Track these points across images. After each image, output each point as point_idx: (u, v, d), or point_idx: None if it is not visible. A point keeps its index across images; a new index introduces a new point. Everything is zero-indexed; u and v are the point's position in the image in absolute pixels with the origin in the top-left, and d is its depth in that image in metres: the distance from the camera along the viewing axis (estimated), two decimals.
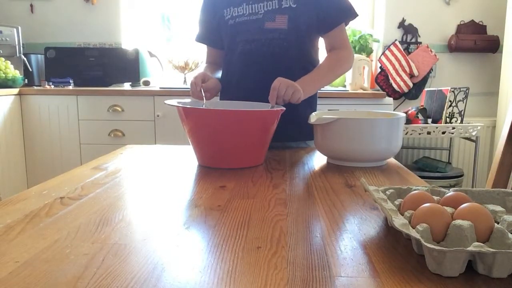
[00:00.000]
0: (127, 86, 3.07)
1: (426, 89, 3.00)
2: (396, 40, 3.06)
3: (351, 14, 1.32)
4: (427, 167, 2.84)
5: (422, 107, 2.81)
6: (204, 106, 1.18)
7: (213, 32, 1.40)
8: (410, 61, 3.02)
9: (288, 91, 1.13)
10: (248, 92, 1.27)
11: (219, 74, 1.40)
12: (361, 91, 2.90)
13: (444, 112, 2.71)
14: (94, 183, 0.90)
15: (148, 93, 2.81)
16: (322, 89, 2.86)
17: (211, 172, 1.00)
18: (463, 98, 2.71)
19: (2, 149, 2.58)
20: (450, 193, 0.64)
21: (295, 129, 1.31)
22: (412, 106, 2.88)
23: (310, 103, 1.36)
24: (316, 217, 0.68)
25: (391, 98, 2.93)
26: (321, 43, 1.39)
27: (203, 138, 1.04)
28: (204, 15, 1.42)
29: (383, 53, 3.03)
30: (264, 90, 1.17)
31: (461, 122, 2.71)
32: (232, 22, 1.32)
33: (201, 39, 1.44)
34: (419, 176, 1.01)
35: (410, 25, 3.13)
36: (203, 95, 1.20)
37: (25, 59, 3.09)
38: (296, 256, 0.53)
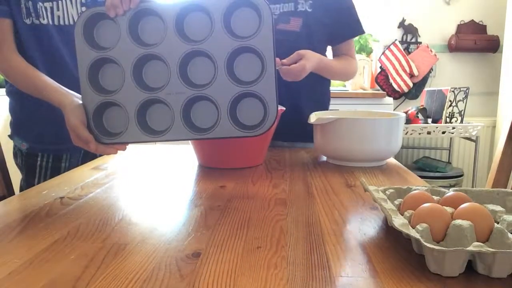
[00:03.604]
0: None
1: (426, 89, 3.00)
2: (396, 40, 3.06)
3: (360, 30, 1.35)
4: (427, 167, 2.84)
5: (422, 107, 2.81)
6: None
7: None
8: (410, 61, 3.02)
9: (293, 75, 1.15)
10: None
11: None
12: (361, 91, 2.90)
13: (444, 112, 2.71)
14: (94, 183, 0.90)
15: None
16: None
17: (211, 172, 1.00)
18: (463, 98, 2.71)
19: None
20: (450, 193, 0.64)
21: (300, 129, 1.31)
22: (412, 106, 2.88)
23: (319, 106, 1.37)
24: (316, 217, 0.68)
25: (391, 98, 2.92)
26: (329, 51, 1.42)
27: None
28: None
29: (383, 53, 3.03)
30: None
31: (461, 122, 2.71)
32: None
33: None
34: (419, 176, 1.01)
35: (410, 25, 3.12)
36: None
37: None
38: (296, 256, 0.53)
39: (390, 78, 3.01)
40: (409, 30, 3.13)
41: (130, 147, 0.92)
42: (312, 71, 1.20)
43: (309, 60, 1.16)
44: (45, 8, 1.12)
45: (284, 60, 1.15)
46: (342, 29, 1.33)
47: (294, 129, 1.28)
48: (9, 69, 1.08)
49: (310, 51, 1.19)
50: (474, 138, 2.71)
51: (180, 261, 0.52)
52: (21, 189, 1.26)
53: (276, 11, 1.29)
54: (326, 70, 1.28)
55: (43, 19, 1.12)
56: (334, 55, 1.39)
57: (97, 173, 0.98)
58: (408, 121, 2.68)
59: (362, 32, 1.36)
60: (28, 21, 1.10)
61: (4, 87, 1.26)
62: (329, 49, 1.40)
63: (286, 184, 0.89)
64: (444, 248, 0.46)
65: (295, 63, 1.14)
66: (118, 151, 0.91)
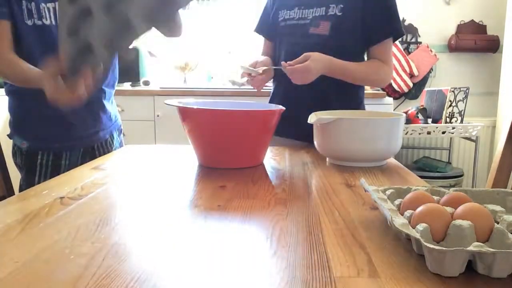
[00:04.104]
0: (127, 86, 3.07)
1: (426, 89, 3.00)
2: None
3: (396, 33, 1.32)
4: (427, 167, 2.84)
5: (422, 107, 2.81)
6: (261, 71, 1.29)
7: (271, 26, 1.44)
8: (410, 61, 3.02)
9: (298, 76, 1.16)
10: (290, 94, 1.34)
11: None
12: None
13: (444, 112, 2.71)
14: (94, 183, 0.90)
15: (148, 93, 2.81)
16: None
17: (211, 172, 1.00)
18: (463, 98, 2.71)
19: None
20: (450, 193, 0.64)
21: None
22: (412, 106, 2.88)
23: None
24: (316, 217, 0.68)
25: (391, 98, 2.92)
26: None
27: (203, 138, 1.04)
28: (266, 10, 1.48)
29: None
30: (304, 90, 1.21)
31: (461, 122, 2.71)
32: (283, 24, 1.38)
33: (259, 30, 1.51)
34: (419, 176, 1.01)
35: (410, 25, 3.13)
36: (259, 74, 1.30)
37: None
38: (296, 256, 0.53)
39: None
40: (409, 30, 3.13)
41: (130, 146, 0.92)
42: (323, 73, 1.20)
43: (315, 61, 1.16)
44: (48, 8, 1.13)
45: (290, 62, 1.15)
46: (373, 31, 1.30)
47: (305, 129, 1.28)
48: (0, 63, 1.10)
49: (319, 53, 1.19)
50: (474, 138, 2.71)
51: (180, 261, 0.52)
52: (21, 189, 1.27)
53: (309, 15, 1.31)
54: (340, 73, 1.26)
55: (46, 19, 1.12)
56: (368, 59, 1.36)
57: (97, 173, 0.98)
58: (408, 121, 2.69)
59: (397, 34, 1.32)
60: (29, 22, 1.11)
61: (3, 87, 1.26)
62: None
63: (286, 184, 0.90)
64: (444, 248, 0.46)
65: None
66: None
